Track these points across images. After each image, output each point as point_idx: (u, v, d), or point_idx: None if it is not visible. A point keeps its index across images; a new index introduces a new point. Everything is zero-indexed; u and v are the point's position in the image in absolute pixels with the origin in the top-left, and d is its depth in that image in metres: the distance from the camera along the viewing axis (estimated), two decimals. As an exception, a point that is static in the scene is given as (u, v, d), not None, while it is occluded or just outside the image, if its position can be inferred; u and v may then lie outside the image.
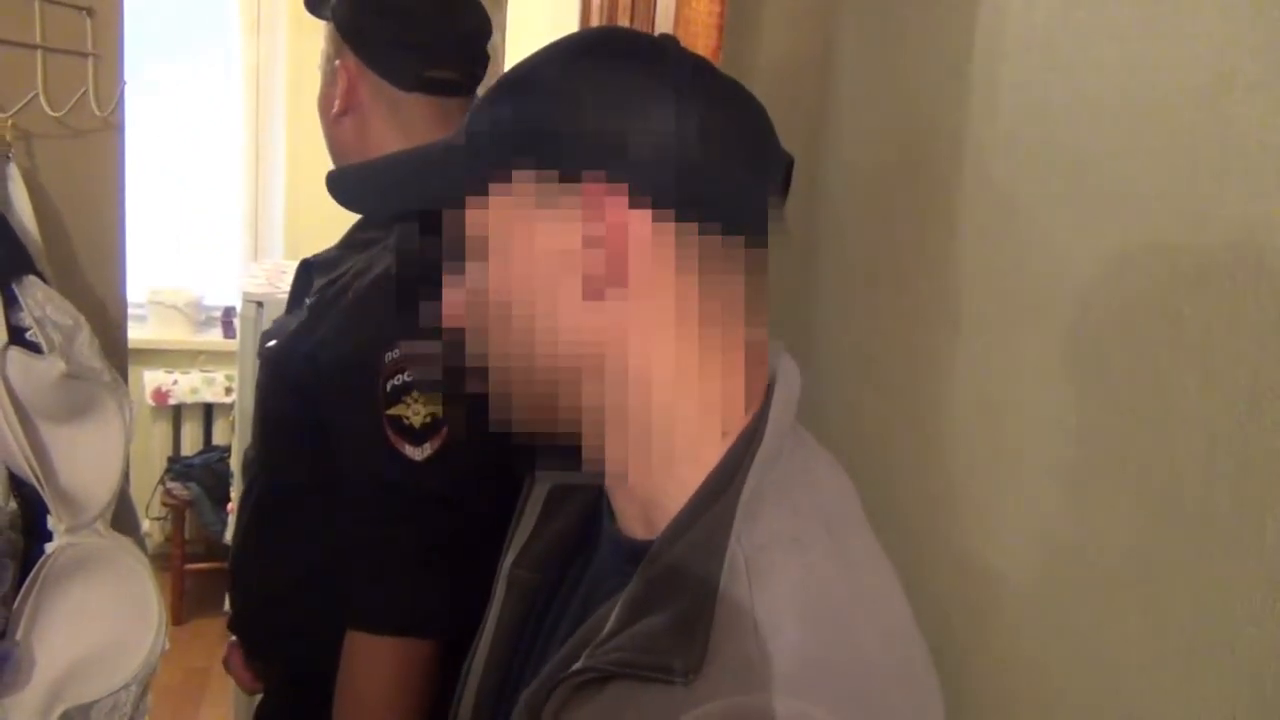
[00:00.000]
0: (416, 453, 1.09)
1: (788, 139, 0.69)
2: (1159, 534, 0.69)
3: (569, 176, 0.62)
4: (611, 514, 0.72)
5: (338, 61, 1.17)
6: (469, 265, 0.67)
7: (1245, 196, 0.63)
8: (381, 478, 1.10)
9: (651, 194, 0.61)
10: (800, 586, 0.59)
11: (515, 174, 0.64)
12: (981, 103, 0.92)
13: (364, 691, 1.11)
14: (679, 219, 0.62)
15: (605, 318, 0.63)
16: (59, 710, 1.19)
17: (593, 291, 0.63)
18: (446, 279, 0.69)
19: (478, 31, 1.23)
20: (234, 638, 1.41)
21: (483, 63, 1.24)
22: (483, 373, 0.68)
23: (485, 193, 0.65)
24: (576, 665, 0.61)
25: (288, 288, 1.39)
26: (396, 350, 1.09)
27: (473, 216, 0.66)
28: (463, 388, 0.69)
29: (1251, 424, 0.62)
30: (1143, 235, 0.71)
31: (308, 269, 1.30)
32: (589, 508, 0.77)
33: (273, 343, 1.24)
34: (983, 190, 0.91)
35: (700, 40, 1.16)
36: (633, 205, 0.61)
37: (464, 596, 0.89)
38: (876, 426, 1.09)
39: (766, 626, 0.56)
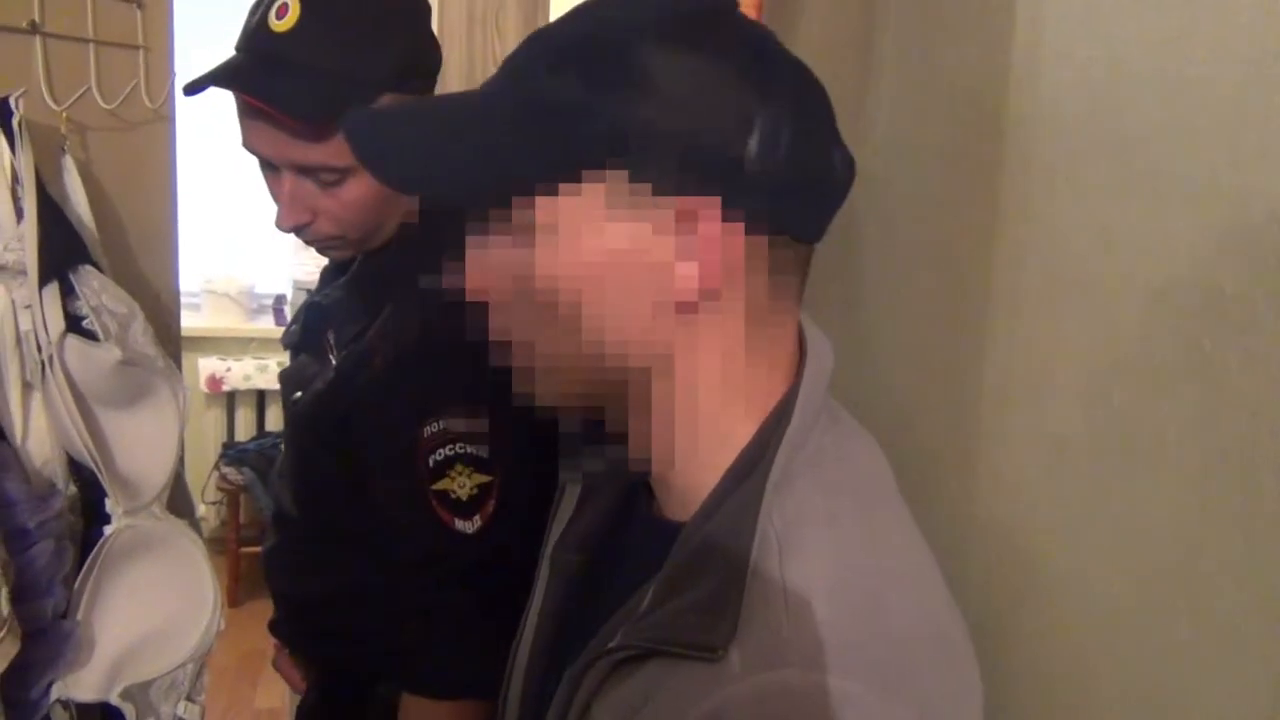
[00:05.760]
0: (466, 525, 1.07)
1: (827, 118, 0.69)
2: (1201, 514, 0.68)
3: (664, 187, 0.59)
4: (647, 497, 0.73)
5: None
6: (514, 246, 0.63)
7: (1290, 170, 0.62)
8: (431, 550, 1.08)
9: (743, 209, 0.60)
10: (831, 561, 0.59)
11: (591, 176, 0.60)
12: (1022, 77, 0.90)
13: None
14: (760, 231, 0.61)
15: (680, 328, 0.62)
16: (119, 687, 1.23)
17: (685, 306, 0.61)
18: (473, 245, 0.66)
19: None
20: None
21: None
22: (509, 347, 0.66)
23: (556, 190, 0.61)
24: (611, 643, 0.62)
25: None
26: (437, 423, 1.06)
27: (541, 203, 0.61)
28: (490, 358, 0.67)
29: (1297, 401, 0.61)
30: (1185, 211, 0.70)
31: (316, 311, 1.27)
32: (627, 487, 0.78)
33: (298, 395, 1.22)
34: (1024, 167, 0.90)
35: (740, 19, 1.16)
36: (725, 219, 0.59)
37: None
38: (918, 406, 1.08)
39: (797, 602, 0.56)
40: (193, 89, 1.05)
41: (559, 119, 0.60)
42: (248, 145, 1.09)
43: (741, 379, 0.64)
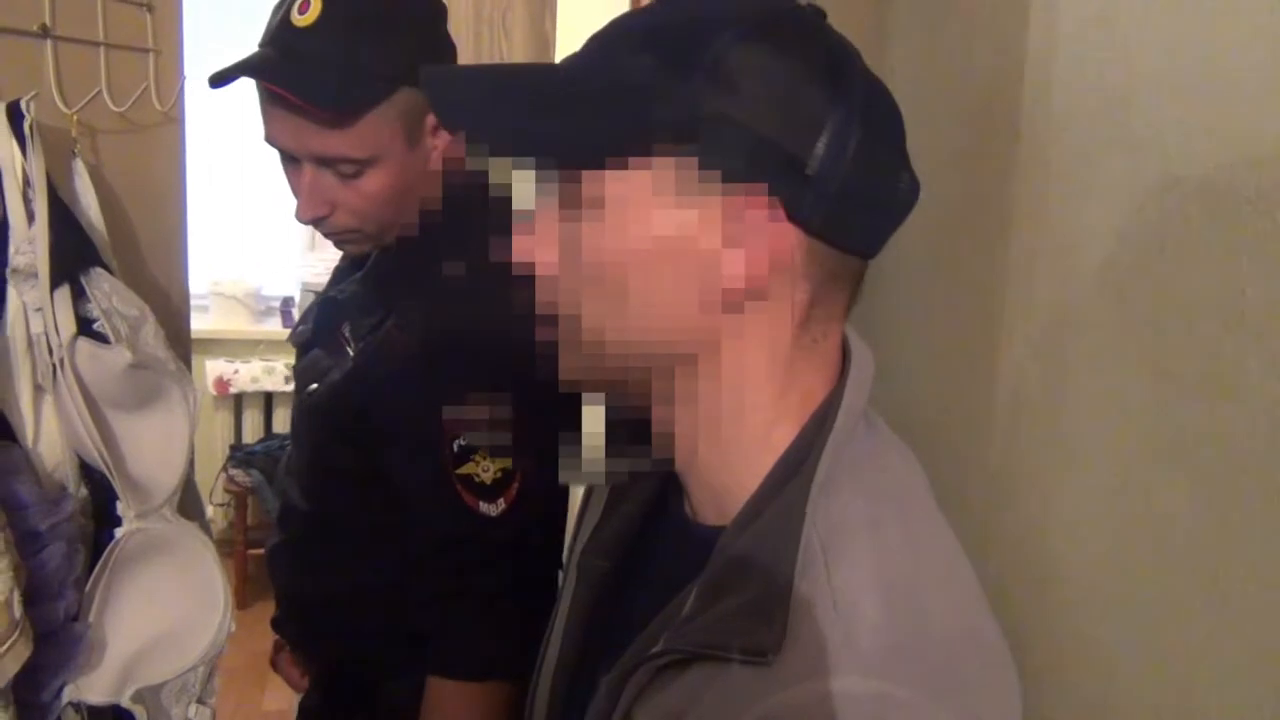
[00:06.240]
0: (491, 508, 1.09)
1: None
2: (1221, 517, 0.68)
3: (725, 177, 0.60)
4: (680, 501, 0.73)
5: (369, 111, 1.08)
6: (568, 221, 0.63)
7: (1311, 172, 0.61)
8: (455, 533, 1.10)
9: (804, 215, 0.60)
10: (877, 567, 0.59)
11: (663, 153, 0.60)
12: (1036, 83, 0.90)
13: None
14: (819, 238, 0.62)
15: (724, 320, 0.63)
16: (130, 690, 1.23)
17: (731, 305, 0.62)
18: (526, 217, 0.65)
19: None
20: (278, 636, 1.44)
21: None
22: (550, 322, 0.66)
23: (619, 167, 0.61)
24: (656, 648, 0.62)
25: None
26: (459, 409, 1.08)
27: (600, 178, 0.62)
28: (530, 333, 0.67)
29: (1318, 404, 0.60)
30: (1204, 214, 0.70)
31: (330, 306, 1.29)
32: (655, 493, 0.78)
33: (314, 387, 1.23)
34: (1039, 172, 0.89)
35: (751, 23, 1.15)
36: (781, 217, 0.60)
37: (539, 629, 0.90)
38: (933, 412, 1.08)
39: (845, 607, 0.56)
40: (219, 81, 1.08)
41: (630, 99, 0.61)
42: (269, 138, 1.12)
43: (782, 381, 0.65)
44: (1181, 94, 0.72)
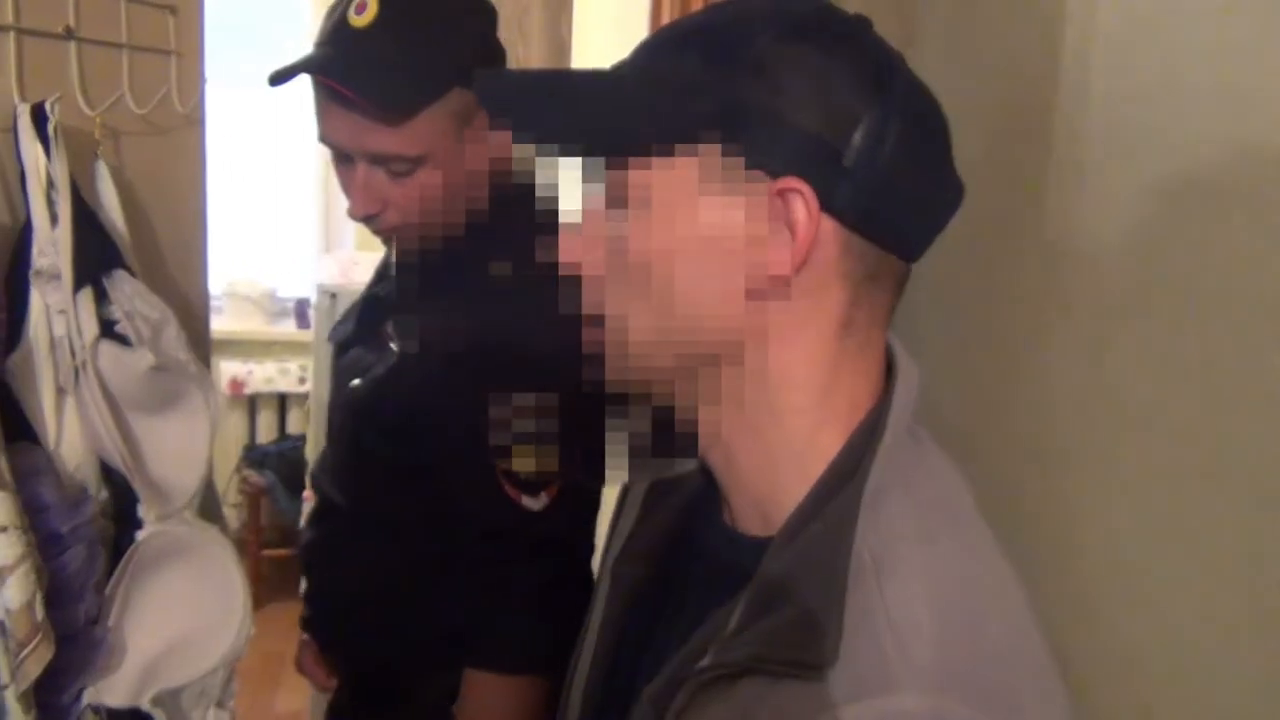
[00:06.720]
0: (533, 503, 1.10)
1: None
2: (1265, 531, 0.66)
3: (762, 167, 0.61)
4: (719, 509, 0.72)
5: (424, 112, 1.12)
6: (609, 220, 0.65)
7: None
8: (498, 526, 1.11)
9: (841, 205, 0.61)
10: (930, 580, 0.58)
11: (703, 145, 0.62)
12: (1072, 85, 0.89)
13: None
14: (857, 231, 0.62)
15: (765, 314, 0.63)
16: (150, 694, 1.22)
17: (775, 296, 0.62)
18: (568, 216, 0.67)
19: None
20: (305, 636, 1.45)
21: None
22: (595, 322, 0.67)
23: (661, 160, 0.63)
24: (703, 662, 0.61)
25: (360, 280, 1.41)
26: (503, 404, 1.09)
27: (639, 174, 0.63)
28: (574, 335, 0.67)
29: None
30: (1248, 223, 0.69)
31: (373, 304, 1.31)
32: (690, 501, 0.77)
33: (356, 382, 1.25)
34: (1075, 177, 0.88)
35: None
36: (819, 208, 0.60)
37: (577, 625, 0.90)
38: (967, 418, 1.07)
39: (900, 621, 0.56)
40: (279, 79, 1.12)
41: (675, 92, 0.62)
42: (324, 136, 1.15)
43: (825, 383, 0.65)
44: (1221, 95, 0.71)
